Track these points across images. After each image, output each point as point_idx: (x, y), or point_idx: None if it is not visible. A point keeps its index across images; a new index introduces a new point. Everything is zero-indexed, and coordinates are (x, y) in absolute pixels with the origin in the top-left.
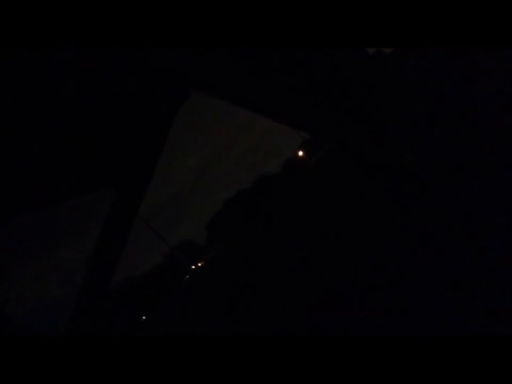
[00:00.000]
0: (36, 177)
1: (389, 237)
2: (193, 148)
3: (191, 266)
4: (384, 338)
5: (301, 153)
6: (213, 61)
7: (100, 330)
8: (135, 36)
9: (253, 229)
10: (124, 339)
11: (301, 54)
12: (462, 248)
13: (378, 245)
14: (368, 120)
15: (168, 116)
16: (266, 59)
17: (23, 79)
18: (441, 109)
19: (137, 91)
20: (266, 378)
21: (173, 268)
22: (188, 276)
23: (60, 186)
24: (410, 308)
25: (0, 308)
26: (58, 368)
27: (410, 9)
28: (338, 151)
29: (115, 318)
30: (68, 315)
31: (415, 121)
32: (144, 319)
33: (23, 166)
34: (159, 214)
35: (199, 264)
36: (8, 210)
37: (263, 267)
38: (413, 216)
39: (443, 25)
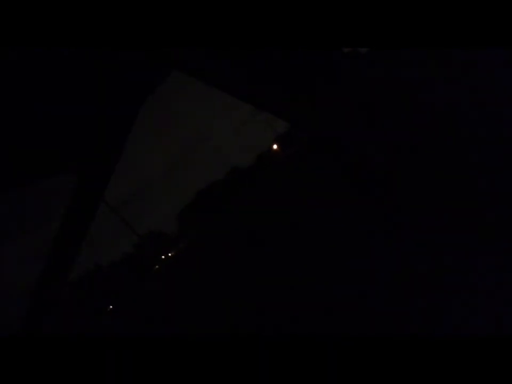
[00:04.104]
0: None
1: (362, 229)
2: (167, 138)
3: (160, 257)
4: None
5: (275, 146)
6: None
7: (64, 320)
8: (134, 36)
9: (224, 220)
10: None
11: (282, 51)
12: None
13: (353, 237)
14: (343, 115)
15: (139, 101)
16: (250, 54)
17: None
18: (408, 106)
19: (108, 73)
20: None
21: (142, 258)
22: (157, 266)
23: (23, 172)
24: (402, 305)
25: None
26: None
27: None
28: (313, 145)
29: (82, 306)
30: (29, 305)
31: (388, 119)
32: (111, 308)
33: None
34: (129, 202)
35: (169, 254)
36: None
37: (233, 258)
38: (390, 210)
39: (421, 28)
